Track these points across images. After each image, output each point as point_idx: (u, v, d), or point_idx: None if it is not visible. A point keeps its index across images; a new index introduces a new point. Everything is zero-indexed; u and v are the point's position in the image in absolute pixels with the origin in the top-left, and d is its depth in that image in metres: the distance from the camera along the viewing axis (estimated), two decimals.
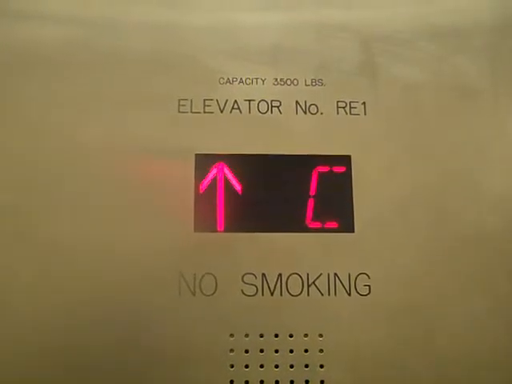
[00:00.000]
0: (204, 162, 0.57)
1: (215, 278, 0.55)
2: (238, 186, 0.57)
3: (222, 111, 0.58)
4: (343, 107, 0.59)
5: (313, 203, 0.57)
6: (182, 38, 0.60)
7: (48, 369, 0.53)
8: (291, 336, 0.54)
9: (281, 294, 0.55)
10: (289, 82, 0.59)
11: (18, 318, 0.53)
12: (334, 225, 0.56)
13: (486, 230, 0.57)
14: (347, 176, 0.57)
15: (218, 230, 0.56)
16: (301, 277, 0.55)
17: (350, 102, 0.59)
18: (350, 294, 0.55)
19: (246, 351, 0.54)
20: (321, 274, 0.55)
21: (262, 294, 0.55)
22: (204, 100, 0.58)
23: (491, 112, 0.59)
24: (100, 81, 0.58)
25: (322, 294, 0.55)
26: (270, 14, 0.61)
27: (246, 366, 0.54)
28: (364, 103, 0.59)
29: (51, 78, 0.58)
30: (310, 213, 0.56)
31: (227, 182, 0.57)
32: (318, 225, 0.56)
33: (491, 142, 0.59)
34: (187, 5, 0.61)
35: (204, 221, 0.56)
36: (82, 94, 0.58)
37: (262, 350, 0.54)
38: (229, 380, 0.53)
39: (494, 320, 0.55)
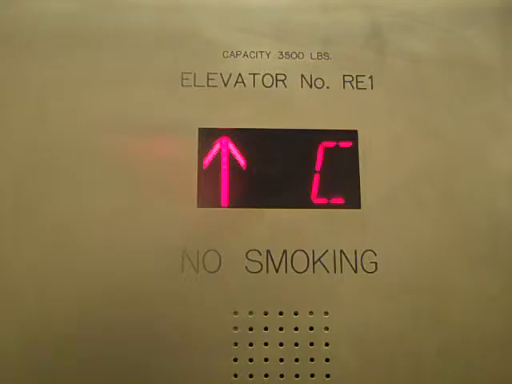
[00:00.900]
0: (207, 136, 0.56)
1: (219, 254, 0.54)
2: (242, 161, 0.56)
3: (225, 85, 0.57)
4: (350, 81, 0.58)
5: (318, 179, 0.56)
6: (184, 12, 0.59)
7: (52, 353, 0.52)
8: (296, 314, 0.53)
9: (286, 271, 0.54)
10: (294, 56, 0.58)
11: (21, 305, 0.53)
12: (340, 201, 0.55)
13: (496, 208, 0.56)
14: (354, 151, 0.56)
15: (222, 205, 0.55)
16: (306, 253, 0.54)
17: (357, 76, 0.58)
18: (356, 271, 0.54)
19: (250, 329, 0.53)
20: (326, 251, 0.54)
21: (267, 271, 0.54)
22: (207, 73, 0.57)
23: (502, 88, 0.58)
24: (102, 56, 0.57)
25: (328, 271, 0.54)
26: None
27: (250, 344, 0.53)
28: (371, 77, 0.58)
29: (52, 55, 0.57)
30: (315, 188, 0.56)
31: (231, 157, 0.56)
32: (323, 201, 0.55)
33: (502, 119, 0.58)
34: None
35: (207, 196, 0.55)
36: (83, 70, 0.57)
37: (266, 328, 0.53)
38: (232, 358, 0.52)
39: (505, 299, 0.54)
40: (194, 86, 0.57)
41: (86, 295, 0.53)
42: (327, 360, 0.53)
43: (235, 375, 0.52)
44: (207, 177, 0.55)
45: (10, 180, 0.54)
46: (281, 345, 0.53)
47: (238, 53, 0.58)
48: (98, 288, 0.53)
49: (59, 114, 0.56)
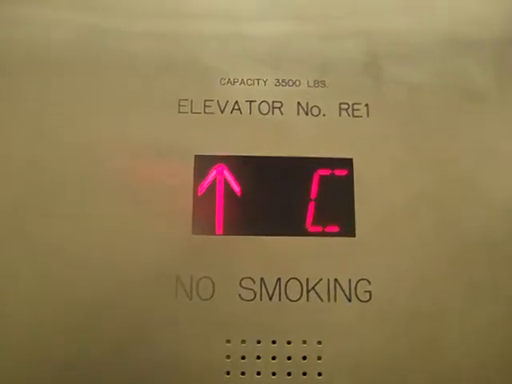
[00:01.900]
0: (204, 163, 0.56)
1: (212, 281, 0.54)
2: (237, 188, 0.56)
3: (222, 112, 0.57)
4: (346, 109, 0.58)
5: (313, 207, 0.56)
6: (182, 40, 0.59)
7: (44, 373, 0.52)
8: (289, 343, 0.53)
9: (279, 299, 0.54)
10: (291, 83, 0.58)
11: (16, 322, 0.53)
12: (334, 229, 0.55)
13: (492, 236, 0.56)
14: (349, 179, 0.56)
15: (217, 233, 0.55)
16: (300, 282, 0.54)
17: (353, 104, 0.58)
18: (350, 300, 0.54)
19: (243, 358, 0.53)
20: (321, 279, 0.54)
21: (261, 299, 0.54)
22: (204, 100, 0.58)
23: (497, 115, 0.58)
24: (100, 82, 0.58)
25: (322, 300, 0.54)
26: (272, 15, 0.60)
27: (243, 373, 0.52)
28: (367, 105, 0.58)
29: (51, 80, 0.57)
30: (310, 216, 0.55)
31: (227, 184, 0.56)
32: (318, 229, 0.55)
33: (497, 146, 0.58)
34: (188, 11, 0.60)
35: (202, 223, 0.55)
36: (81, 95, 0.57)
37: (258, 357, 0.53)
38: None
39: (502, 329, 0.54)
40: (191, 112, 0.57)
41: (78, 321, 0.53)
42: None
43: None
44: (202, 204, 0.55)
45: (7, 201, 0.54)
46: (273, 374, 0.53)
47: (235, 80, 0.58)
48: (90, 314, 0.53)
49: (57, 139, 0.56)
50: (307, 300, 0.54)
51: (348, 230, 0.55)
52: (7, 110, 0.57)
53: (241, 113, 0.57)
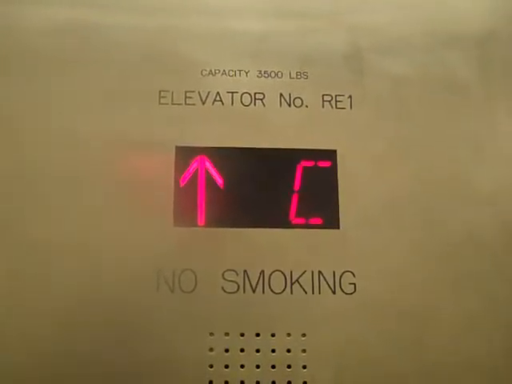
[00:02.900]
0: (185, 154, 0.55)
1: (195, 274, 0.53)
2: (219, 180, 0.55)
3: (203, 103, 0.57)
4: (329, 100, 0.57)
5: (297, 198, 0.55)
6: (163, 33, 0.58)
7: (30, 368, 0.51)
8: (273, 335, 0.52)
9: (263, 292, 0.53)
10: (273, 75, 0.58)
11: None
12: (318, 221, 0.55)
13: (477, 229, 0.55)
14: (332, 171, 0.56)
15: (199, 224, 0.54)
16: (284, 274, 0.53)
17: (336, 96, 0.57)
18: (334, 293, 0.53)
19: (226, 350, 0.52)
20: (305, 272, 0.53)
21: (244, 292, 0.53)
22: (185, 92, 0.57)
23: (481, 107, 0.58)
24: (79, 75, 0.57)
25: (306, 292, 0.53)
26: (254, 5, 0.60)
27: (226, 366, 0.51)
28: (350, 96, 0.57)
29: (30, 74, 0.56)
30: (293, 208, 0.55)
31: (208, 176, 0.55)
32: (302, 221, 0.55)
33: (482, 138, 0.58)
34: (168, 6, 0.59)
35: (184, 215, 0.54)
36: (60, 88, 0.56)
37: (242, 350, 0.52)
38: (208, 380, 0.51)
39: (485, 321, 0.54)
40: (172, 104, 0.56)
41: (58, 314, 0.51)
42: (305, 383, 0.52)
43: None
44: (184, 196, 0.54)
45: None
46: (257, 367, 0.52)
47: (217, 71, 0.57)
48: (70, 307, 0.51)
49: (34, 132, 0.55)
50: (291, 292, 0.53)
51: (332, 221, 0.55)
52: None
53: (222, 104, 0.57)
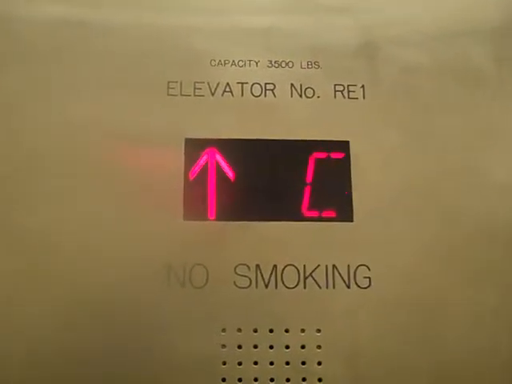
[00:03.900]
0: (194, 146, 0.54)
1: (206, 269, 0.52)
2: (230, 173, 0.54)
3: (213, 94, 0.55)
4: (341, 91, 0.56)
5: (309, 191, 0.54)
6: (172, 21, 0.57)
7: (32, 370, 0.50)
8: (287, 331, 0.51)
9: (276, 287, 0.52)
10: (283, 65, 0.57)
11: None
12: (331, 214, 0.54)
13: (491, 222, 0.54)
14: (346, 162, 0.55)
15: (209, 218, 0.53)
16: (297, 268, 0.52)
17: (348, 86, 0.56)
18: (349, 287, 0.52)
19: (239, 347, 0.51)
20: (318, 266, 0.52)
21: (256, 287, 0.52)
22: (194, 82, 0.56)
23: (496, 98, 0.57)
24: (87, 63, 0.56)
25: (320, 287, 0.52)
26: (265, 5, 0.59)
27: (239, 363, 0.50)
28: (363, 86, 0.56)
29: (39, 63, 0.55)
30: (306, 201, 0.54)
31: (219, 168, 0.54)
32: (314, 213, 0.53)
33: (496, 128, 0.56)
34: (179, 4, 0.58)
35: (194, 209, 0.53)
36: (69, 80, 0.55)
37: (255, 346, 0.51)
38: (221, 377, 0.50)
39: (501, 315, 0.53)
40: (181, 95, 0.55)
41: (67, 309, 0.50)
42: (320, 380, 0.51)
43: None
44: (194, 189, 0.53)
45: None
46: (271, 364, 0.51)
47: (226, 61, 0.56)
48: (79, 302, 0.50)
49: (39, 121, 0.54)
50: (304, 287, 0.52)
51: (345, 214, 0.54)
52: None
53: (232, 95, 0.56)
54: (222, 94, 0.56)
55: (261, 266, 0.52)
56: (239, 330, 0.51)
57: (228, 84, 0.56)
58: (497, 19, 0.59)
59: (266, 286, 0.52)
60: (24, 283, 0.51)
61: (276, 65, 0.57)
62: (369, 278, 0.52)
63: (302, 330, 0.51)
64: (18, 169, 0.53)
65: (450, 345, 0.52)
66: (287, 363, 0.51)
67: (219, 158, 0.54)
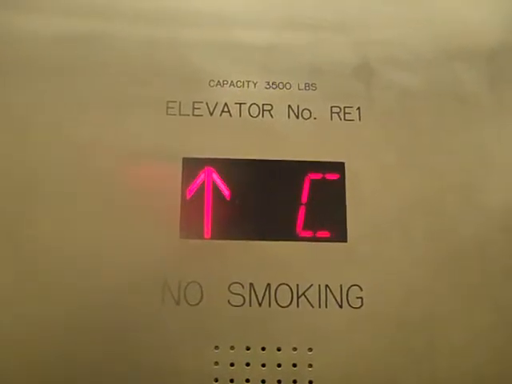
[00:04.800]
0: (192, 166, 0.55)
1: (201, 286, 0.52)
2: (226, 192, 0.54)
3: (211, 114, 0.56)
4: (337, 112, 0.57)
5: (304, 211, 0.54)
6: (171, 43, 0.58)
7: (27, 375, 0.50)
8: (279, 349, 0.52)
9: (269, 305, 0.52)
10: (281, 86, 0.57)
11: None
12: (325, 234, 0.54)
13: (486, 243, 0.55)
14: (341, 184, 0.55)
15: (205, 237, 0.53)
16: (290, 287, 0.53)
17: (345, 107, 0.57)
18: (341, 307, 0.53)
19: (232, 364, 0.51)
20: (311, 285, 0.53)
21: (250, 305, 0.52)
22: (193, 102, 0.57)
23: (491, 119, 0.58)
24: (87, 83, 0.56)
25: (313, 306, 0.53)
26: (262, 16, 0.59)
27: (231, 381, 0.51)
28: (359, 108, 0.57)
29: (38, 78, 0.56)
30: (301, 221, 0.54)
31: (215, 188, 0.55)
32: (309, 233, 0.54)
33: (491, 152, 0.57)
34: (178, 19, 0.59)
35: (190, 227, 0.53)
36: (68, 97, 0.56)
37: (248, 364, 0.51)
38: None
39: (496, 336, 0.53)
40: (179, 114, 0.56)
41: (61, 324, 0.51)
42: None
43: None
44: (190, 207, 0.54)
45: None
46: (263, 382, 0.51)
47: (225, 82, 0.57)
48: (73, 317, 0.51)
49: (40, 138, 0.55)
50: (297, 306, 0.53)
51: (339, 235, 0.54)
52: None
53: (230, 115, 0.56)
54: (221, 114, 0.56)
55: (254, 285, 0.53)
56: (232, 347, 0.52)
57: (226, 104, 0.57)
58: (492, 42, 0.60)
59: (260, 305, 0.52)
60: (20, 294, 0.52)
61: (274, 86, 0.57)
62: (361, 298, 0.53)
63: (294, 349, 0.52)
64: (19, 184, 0.54)
65: (444, 363, 0.52)
66: (279, 382, 0.51)
67: (216, 177, 0.55)
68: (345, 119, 0.57)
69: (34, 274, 0.52)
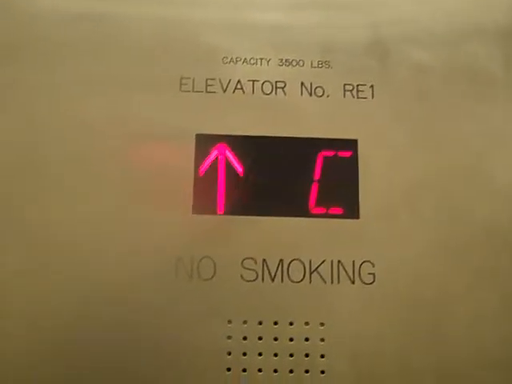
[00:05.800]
0: (205, 142, 0.55)
1: (214, 261, 0.53)
2: (239, 168, 0.55)
3: (224, 91, 0.56)
4: (350, 90, 0.57)
5: (317, 188, 0.55)
6: (184, 17, 0.58)
7: (39, 359, 0.51)
8: (291, 324, 0.52)
9: (282, 281, 0.53)
10: (294, 63, 0.57)
11: (6, 312, 0.51)
12: (338, 211, 0.54)
13: (497, 223, 0.55)
14: (353, 161, 0.55)
15: (218, 212, 0.54)
16: (303, 263, 0.53)
17: (358, 85, 0.57)
18: (353, 282, 0.53)
19: (244, 338, 0.52)
20: (324, 261, 0.53)
21: (262, 280, 0.53)
22: (206, 79, 0.57)
23: (504, 98, 0.57)
24: (101, 62, 0.57)
25: (325, 282, 0.53)
26: (276, 3, 0.59)
27: (244, 354, 0.51)
28: (372, 86, 0.57)
29: (51, 58, 0.56)
30: (313, 198, 0.55)
31: (228, 164, 0.55)
32: (321, 210, 0.54)
33: (502, 133, 0.57)
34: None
35: (203, 203, 0.54)
36: (80, 76, 0.56)
37: (260, 338, 0.52)
38: (226, 368, 0.51)
39: (504, 312, 0.53)
40: (193, 91, 0.56)
41: (74, 301, 0.51)
42: (322, 372, 0.51)
43: None
44: (203, 184, 0.54)
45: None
46: (275, 355, 0.52)
47: (238, 59, 0.57)
48: (87, 294, 0.52)
49: (51, 117, 0.55)
50: (310, 282, 0.53)
51: (352, 211, 0.54)
52: (3, 88, 0.55)
53: (243, 92, 0.57)
54: (234, 91, 0.57)
55: (267, 260, 0.53)
56: (245, 321, 0.52)
57: (239, 81, 0.57)
58: (507, 21, 0.60)
59: (272, 280, 0.53)
60: (34, 275, 0.52)
61: (287, 63, 0.57)
62: (373, 274, 0.53)
63: (306, 323, 0.52)
64: (31, 165, 0.54)
65: (454, 341, 0.53)
66: (291, 355, 0.52)
67: (229, 153, 0.55)
68: (358, 97, 0.57)
69: (42, 256, 0.52)
